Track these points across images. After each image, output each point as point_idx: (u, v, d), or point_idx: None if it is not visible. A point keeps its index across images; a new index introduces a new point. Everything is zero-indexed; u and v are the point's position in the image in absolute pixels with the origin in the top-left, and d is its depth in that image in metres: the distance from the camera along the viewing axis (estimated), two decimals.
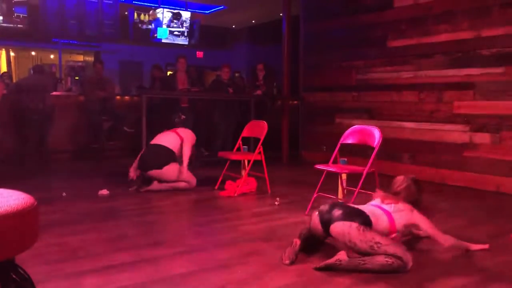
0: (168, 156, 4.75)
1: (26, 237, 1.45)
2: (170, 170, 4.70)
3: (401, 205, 2.84)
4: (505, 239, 3.30)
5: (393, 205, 2.83)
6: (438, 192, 5.13)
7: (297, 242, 2.76)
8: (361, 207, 2.82)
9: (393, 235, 2.73)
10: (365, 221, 2.61)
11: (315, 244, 2.89)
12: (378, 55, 6.39)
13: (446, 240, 2.88)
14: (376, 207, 2.83)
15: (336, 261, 2.42)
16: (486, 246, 3.03)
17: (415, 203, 2.92)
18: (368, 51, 6.54)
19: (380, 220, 2.70)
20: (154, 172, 4.69)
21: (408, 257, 2.56)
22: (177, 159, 4.85)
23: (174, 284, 2.39)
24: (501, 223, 3.79)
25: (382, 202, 2.87)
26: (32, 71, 7.05)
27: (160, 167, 4.67)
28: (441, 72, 5.64)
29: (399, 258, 2.52)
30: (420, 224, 2.84)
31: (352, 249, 2.59)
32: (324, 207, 2.77)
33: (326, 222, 2.68)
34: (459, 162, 5.46)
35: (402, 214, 2.80)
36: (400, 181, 3.02)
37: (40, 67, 7.13)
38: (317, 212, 2.79)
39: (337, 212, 2.66)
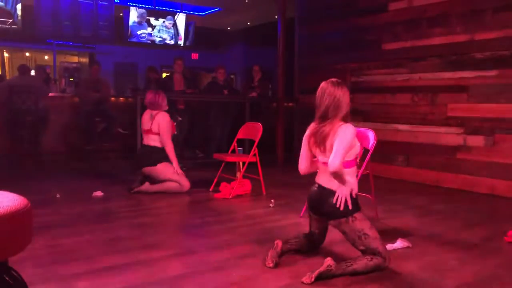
0: (159, 153, 4.76)
1: (20, 239, 1.45)
2: (163, 168, 4.72)
3: (329, 142, 2.64)
4: (499, 241, 3.32)
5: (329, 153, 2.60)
6: (432, 194, 5.15)
7: (279, 243, 2.76)
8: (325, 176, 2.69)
9: (353, 168, 2.68)
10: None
11: (309, 248, 2.90)
12: (372, 58, 6.41)
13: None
14: (326, 164, 2.62)
15: (327, 266, 2.44)
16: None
17: (346, 116, 2.74)
18: (362, 53, 6.56)
19: (341, 179, 2.60)
20: (147, 169, 4.72)
21: (387, 254, 2.59)
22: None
23: (168, 287, 2.38)
24: (495, 225, 3.81)
25: (324, 155, 2.68)
26: (18, 72, 6.82)
27: (154, 164, 4.70)
28: (435, 75, 5.67)
29: (379, 254, 2.54)
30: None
31: (344, 235, 2.68)
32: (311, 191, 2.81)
33: (316, 202, 2.76)
34: (453, 164, 5.49)
35: (336, 149, 2.56)
36: (319, 95, 2.94)
37: (25, 67, 6.94)
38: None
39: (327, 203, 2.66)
